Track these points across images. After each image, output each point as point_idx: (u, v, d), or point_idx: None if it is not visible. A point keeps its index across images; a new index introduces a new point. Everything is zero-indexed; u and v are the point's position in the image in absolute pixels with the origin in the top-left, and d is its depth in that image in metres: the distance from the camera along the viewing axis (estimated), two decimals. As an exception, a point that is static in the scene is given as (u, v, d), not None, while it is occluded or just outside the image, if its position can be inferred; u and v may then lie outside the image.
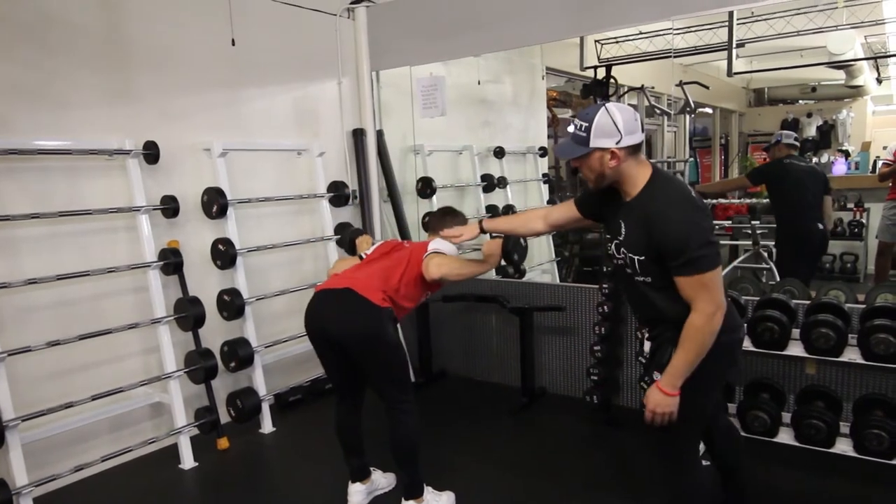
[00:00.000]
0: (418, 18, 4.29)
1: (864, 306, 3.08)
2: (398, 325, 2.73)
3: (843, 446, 2.88)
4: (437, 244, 2.79)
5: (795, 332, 3.07)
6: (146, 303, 3.44)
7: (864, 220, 6.42)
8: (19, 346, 2.90)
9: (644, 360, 2.22)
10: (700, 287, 1.90)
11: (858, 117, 8.68)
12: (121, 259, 3.37)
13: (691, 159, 7.52)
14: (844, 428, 2.93)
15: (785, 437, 3.00)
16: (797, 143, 4.59)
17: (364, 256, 2.95)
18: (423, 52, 4.36)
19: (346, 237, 3.36)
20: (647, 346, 2.20)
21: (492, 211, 5.33)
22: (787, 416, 3.06)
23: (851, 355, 2.92)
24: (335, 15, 4.41)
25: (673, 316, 1.99)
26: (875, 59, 6.66)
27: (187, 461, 3.39)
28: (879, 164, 6.21)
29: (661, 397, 2.00)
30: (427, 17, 4.25)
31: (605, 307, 3.62)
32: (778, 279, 4.45)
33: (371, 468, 2.99)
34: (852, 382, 3.10)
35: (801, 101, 9.46)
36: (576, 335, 3.98)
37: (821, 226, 4.39)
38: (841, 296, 3.31)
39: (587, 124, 1.96)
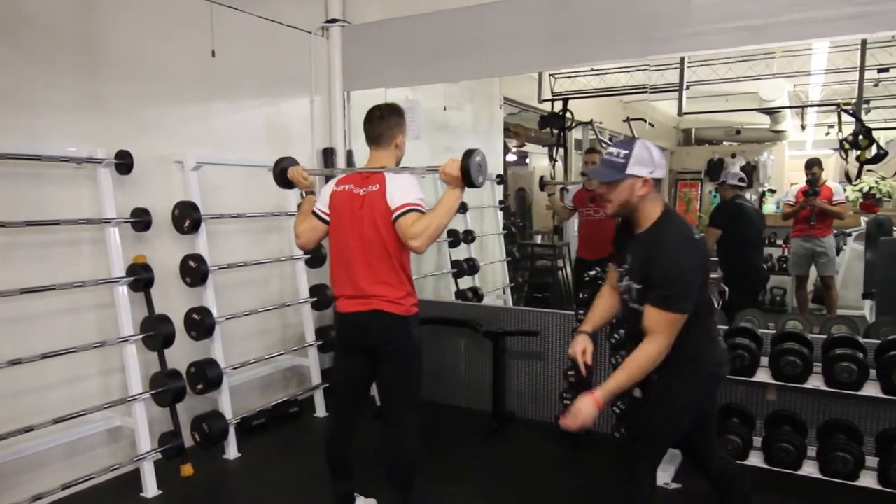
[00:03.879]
0: (393, 42, 4.32)
1: (824, 336, 3.29)
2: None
3: (810, 469, 3.04)
4: (399, 193, 2.46)
5: (763, 360, 3.25)
6: (110, 320, 3.25)
7: (791, 256, 6.85)
8: (-23, 364, 2.67)
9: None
10: (665, 324, 2.03)
11: (777, 160, 9.32)
12: (84, 273, 3.18)
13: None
14: (810, 451, 3.10)
15: (755, 460, 3.14)
16: (743, 184, 4.86)
17: (321, 214, 2.64)
18: (397, 75, 4.38)
19: (277, 168, 2.83)
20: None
21: (453, 235, 5.36)
22: (756, 441, 3.21)
23: (815, 382, 3.11)
24: (310, 33, 4.37)
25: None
26: (803, 107, 7.18)
27: (150, 489, 3.19)
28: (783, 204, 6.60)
29: (591, 407, 2.06)
30: (402, 42, 4.29)
31: (580, 333, 3.69)
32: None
33: (355, 494, 2.91)
34: (816, 408, 3.30)
35: (725, 143, 10.08)
36: (547, 360, 4.05)
37: (764, 264, 4.63)
38: (799, 325, 3.53)
39: (626, 152, 2.09)
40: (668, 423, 2.20)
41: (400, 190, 2.48)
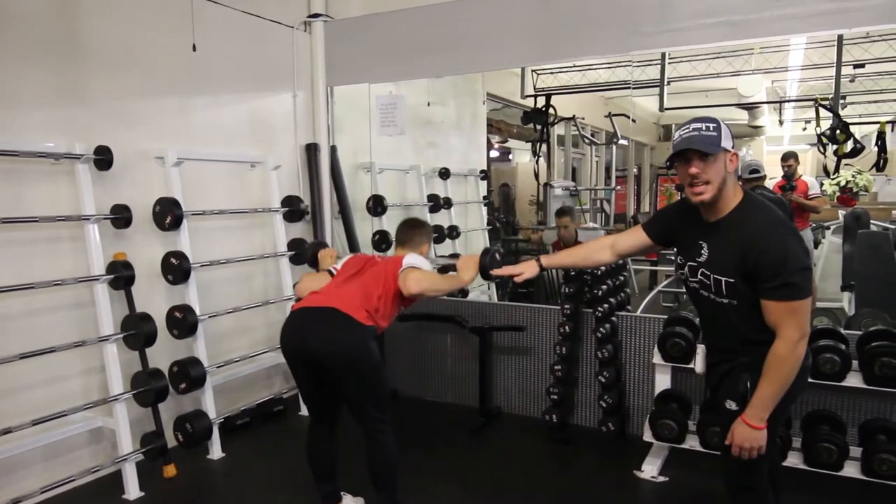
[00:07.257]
0: (376, 38, 4.29)
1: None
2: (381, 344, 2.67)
3: (794, 460, 3.08)
4: (411, 259, 2.74)
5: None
6: (89, 319, 3.19)
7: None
8: (-47, 365, 2.60)
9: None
10: (789, 314, 1.86)
11: (756, 155, 9.44)
12: (63, 271, 3.11)
13: (618, 187, 7.90)
14: (795, 442, 3.13)
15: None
16: (758, 175, 4.78)
17: (333, 271, 2.84)
18: (380, 70, 4.35)
19: (309, 251, 3.25)
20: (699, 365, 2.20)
21: (437, 231, 5.34)
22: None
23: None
24: (292, 27, 4.33)
25: (755, 341, 1.95)
26: (780, 102, 7.28)
27: (132, 491, 3.13)
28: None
29: (749, 431, 1.92)
30: (385, 37, 4.26)
31: (566, 327, 3.70)
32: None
33: (342, 493, 2.89)
34: (800, 399, 3.31)
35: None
36: (533, 355, 4.04)
37: None
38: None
39: (714, 124, 1.93)
40: (771, 428, 1.99)
41: (414, 260, 2.74)
